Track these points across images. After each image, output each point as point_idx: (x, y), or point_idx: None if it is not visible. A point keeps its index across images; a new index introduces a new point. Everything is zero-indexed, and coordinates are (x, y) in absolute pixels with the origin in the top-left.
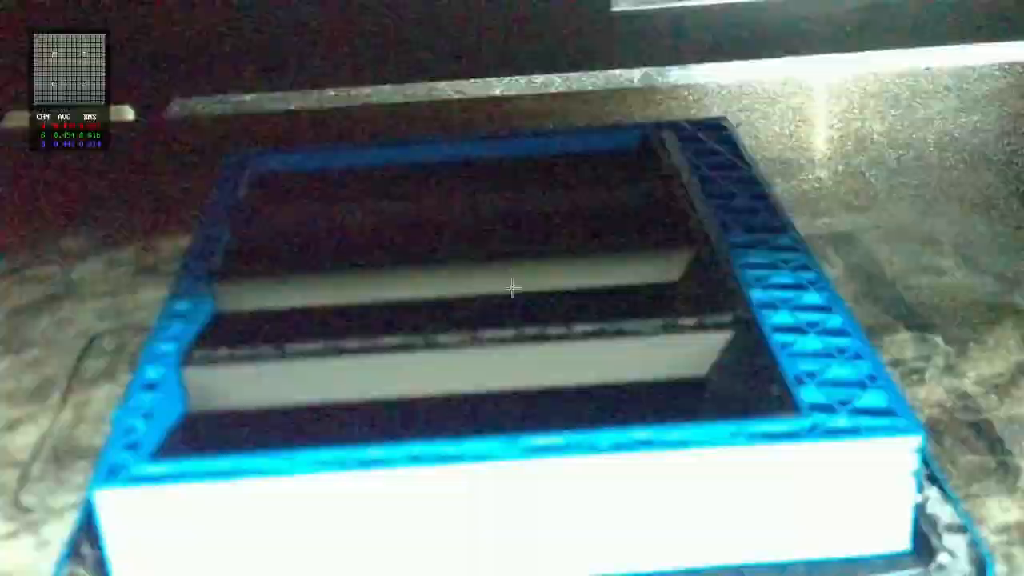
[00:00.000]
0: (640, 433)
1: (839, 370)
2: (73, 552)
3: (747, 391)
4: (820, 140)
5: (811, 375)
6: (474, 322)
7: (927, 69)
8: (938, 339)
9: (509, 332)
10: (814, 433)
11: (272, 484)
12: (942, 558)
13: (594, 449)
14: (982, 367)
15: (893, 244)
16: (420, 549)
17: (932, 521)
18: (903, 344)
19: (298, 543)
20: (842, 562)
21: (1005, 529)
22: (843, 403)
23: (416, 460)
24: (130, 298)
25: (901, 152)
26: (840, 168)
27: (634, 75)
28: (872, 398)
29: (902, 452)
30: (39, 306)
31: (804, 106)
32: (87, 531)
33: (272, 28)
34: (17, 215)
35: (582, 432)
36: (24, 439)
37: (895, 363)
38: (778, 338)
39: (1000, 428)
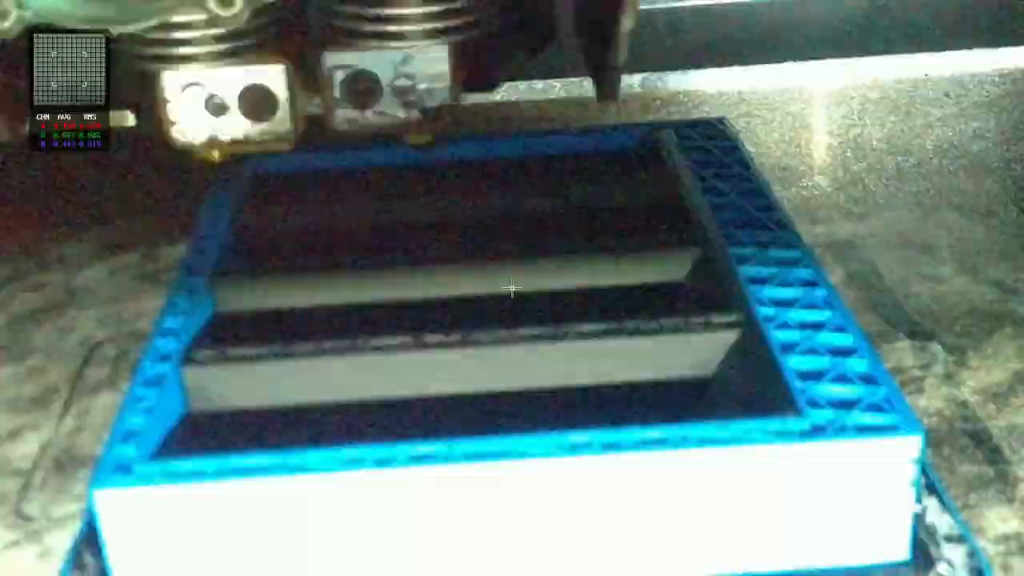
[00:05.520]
0: (635, 433)
1: (839, 370)
2: (75, 561)
3: (747, 391)
4: (819, 146)
5: (811, 375)
6: (475, 322)
7: (927, 75)
8: (937, 348)
9: (507, 333)
10: (814, 433)
11: (275, 483)
12: (941, 568)
13: (612, 448)
14: (981, 376)
15: (892, 251)
16: (424, 550)
17: (931, 531)
18: (902, 352)
19: (302, 544)
20: (841, 572)
21: (1004, 539)
22: (843, 403)
23: (420, 459)
24: (132, 305)
25: (900, 159)
26: (839, 175)
27: (634, 80)
28: (872, 398)
29: (902, 452)
30: (40, 313)
31: (803, 112)
32: (89, 540)
33: None
34: (18, 221)
35: (587, 431)
36: (26, 448)
37: (894, 371)
38: (778, 338)
39: (999, 437)
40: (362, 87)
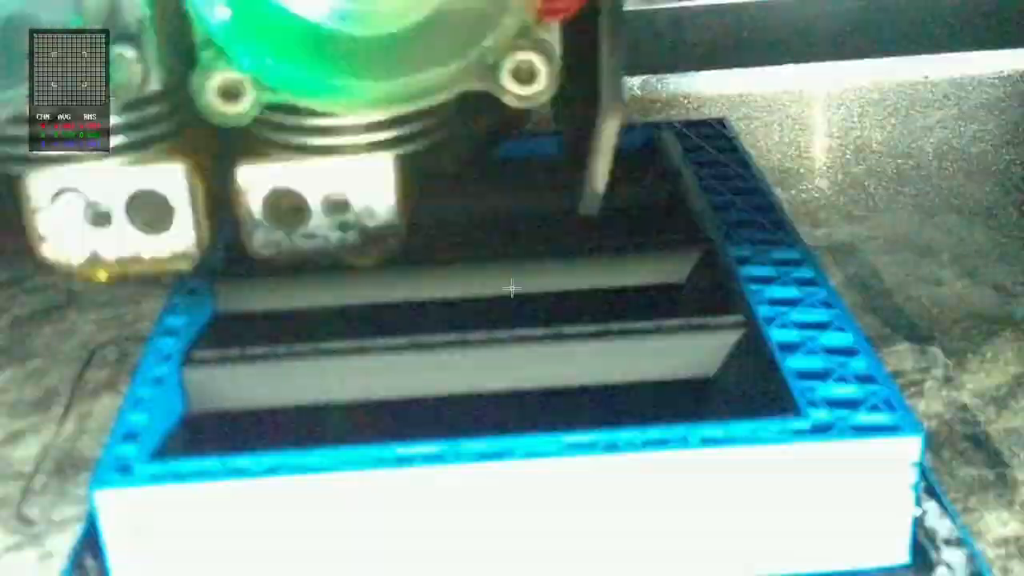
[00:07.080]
0: (635, 433)
1: (839, 370)
2: (76, 564)
3: (747, 391)
4: (819, 149)
5: (811, 375)
6: (475, 323)
7: (926, 78)
8: (937, 351)
9: (507, 333)
10: (814, 433)
11: (275, 483)
12: (940, 572)
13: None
14: (981, 379)
15: (892, 254)
16: (425, 549)
17: (930, 534)
18: (902, 356)
19: (302, 543)
20: (839, 575)
21: (1003, 543)
22: (844, 403)
23: (421, 460)
24: (132, 309)
25: (900, 161)
26: (839, 177)
27: (634, 82)
28: (872, 398)
29: (903, 453)
30: (41, 316)
31: (803, 115)
32: (90, 543)
33: None
34: (18, 224)
35: (597, 432)
36: (27, 451)
37: (894, 374)
38: (778, 338)
39: (998, 441)
40: (286, 206)
